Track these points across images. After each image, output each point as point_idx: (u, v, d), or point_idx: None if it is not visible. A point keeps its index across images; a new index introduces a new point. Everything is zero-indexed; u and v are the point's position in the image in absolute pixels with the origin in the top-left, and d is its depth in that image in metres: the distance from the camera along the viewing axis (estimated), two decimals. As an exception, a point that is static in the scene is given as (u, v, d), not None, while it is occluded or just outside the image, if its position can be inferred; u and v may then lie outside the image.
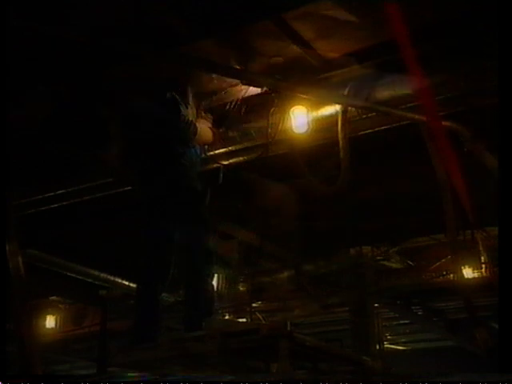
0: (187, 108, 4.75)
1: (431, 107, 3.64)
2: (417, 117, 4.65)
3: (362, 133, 5.18)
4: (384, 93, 4.87)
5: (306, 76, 4.93)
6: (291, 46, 4.68)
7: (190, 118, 4.71)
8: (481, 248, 8.57)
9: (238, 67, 4.82)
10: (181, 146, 4.62)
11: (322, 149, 5.34)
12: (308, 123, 5.12)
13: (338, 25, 4.50)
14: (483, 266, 8.74)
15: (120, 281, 9.57)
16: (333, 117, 5.06)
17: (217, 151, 5.41)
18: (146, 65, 4.80)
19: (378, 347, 9.70)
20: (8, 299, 3.34)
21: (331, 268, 9.28)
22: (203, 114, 5.13)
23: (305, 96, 4.96)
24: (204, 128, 4.88)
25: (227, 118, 5.33)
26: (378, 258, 9.46)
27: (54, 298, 11.54)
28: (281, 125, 5.14)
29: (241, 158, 5.53)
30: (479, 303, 8.95)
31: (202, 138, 4.82)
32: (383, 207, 7.19)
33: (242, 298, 9.56)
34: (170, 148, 4.59)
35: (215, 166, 5.50)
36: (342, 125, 4.96)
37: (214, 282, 4.65)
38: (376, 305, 9.95)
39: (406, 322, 12.54)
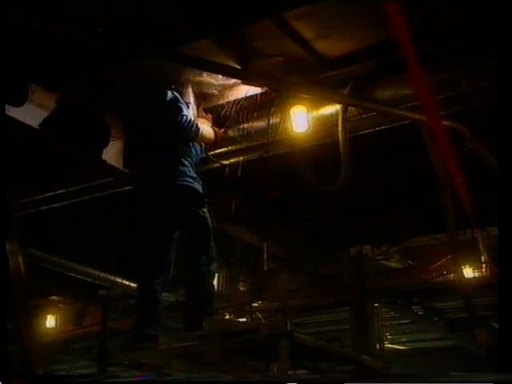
0: (188, 108, 4.75)
1: (431, 107, 3.63)
2: (417, 116, 4.65)
3: (362, 132, 5.18)
4: (384, 92, 4.88)
5: (306, 76, 4.93)
6: (291, 46, 4.68)
7: (192, 118, 4.71)
8: (481, 248, 8.57)
9: (237, 67, 4.82)
10: (182, 146, 4.62)
11: (322, 149, 5.34)
12: (308, 123, 5.12)
13: (338, 24, 4.50)
14: (483, 265, 8.74)
15: (120, 281, 9.57)
16: (333, 116, 5.06)
17: (217, 151, 5.42)
18: (147, 65, 4.80)
19: (378, 347, 9.68)
20: (8, 299, 3.34)
21: (331, 268, 9.27)
22: (203, 114, 5.13)
23: (305, 96, 4.96)
24: (206, 128, 4.88)
25: (227, 117, 5.32)
26: (378, 257, 9.45)
27: (54, 297, 11.54)
28: (281, 125, 5.14)
29: (241, 158, 5.54)
30: (479, 303, 8.96)
31: (204, 137, 4.82)
32: (383, 207, 7.19)
33: (242, 297, 9.55)
34: (172, 148, 4.58)
35: (215, 165, 5.51)
36: (342, 124, 4.96)
37: (215, 282, 4.64)
38: (376, 305, 9.95)
39: (407, 321, 12.53)
